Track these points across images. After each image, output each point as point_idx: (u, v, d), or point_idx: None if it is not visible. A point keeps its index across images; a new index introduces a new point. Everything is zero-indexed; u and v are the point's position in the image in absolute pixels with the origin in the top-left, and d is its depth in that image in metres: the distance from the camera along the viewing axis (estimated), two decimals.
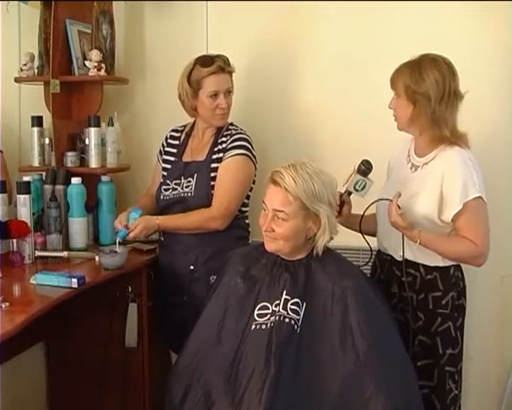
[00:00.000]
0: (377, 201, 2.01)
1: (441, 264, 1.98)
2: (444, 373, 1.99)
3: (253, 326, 1.79)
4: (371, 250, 2.05)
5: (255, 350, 1.73)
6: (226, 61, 2.32)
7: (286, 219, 1.80)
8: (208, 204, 2.28)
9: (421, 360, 1.94)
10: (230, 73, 2.34)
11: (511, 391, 2.53)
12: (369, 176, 1.99)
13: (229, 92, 2.34)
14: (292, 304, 1.77)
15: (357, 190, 1.98)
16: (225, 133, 2.36)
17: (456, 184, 1.88)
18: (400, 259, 2.00)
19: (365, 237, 2.04)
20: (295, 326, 1.74)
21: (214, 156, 2.33)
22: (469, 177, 1.88)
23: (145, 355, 2.44)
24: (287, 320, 1.75)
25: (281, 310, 1.77)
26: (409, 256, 1.97)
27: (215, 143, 2.35)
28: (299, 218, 1.80)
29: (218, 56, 2.31)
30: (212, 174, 2.31)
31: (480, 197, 1.88)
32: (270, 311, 1.79)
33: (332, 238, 1.86)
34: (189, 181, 2.33)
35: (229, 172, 2.29)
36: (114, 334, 2.43)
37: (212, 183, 2.30)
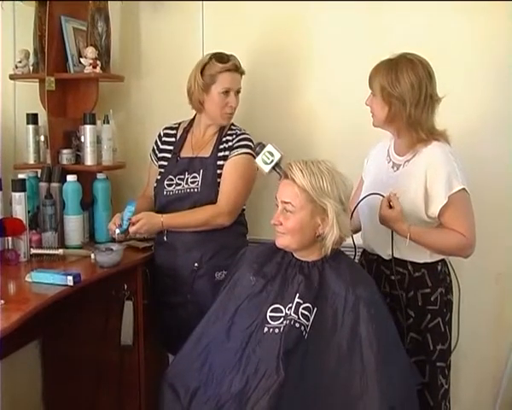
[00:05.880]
0: (368, 195, 1.99)
1: (429, 260, 1.99)
2: (435, 369, 2.00)
3: (266, 329, 1.77)
4: (355, 248, 2.03)
5: (268, 354, 1.72)
6: (239, 61, 2.36)
7: (293, 211, 1.79)
8: (215, 200, 2.29)
9: (413, 357, 1.94)
10: (242, 74, 2.38)
11: (506, 388, 2.54)
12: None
13: (238, 92, 2.37)
14: (303, 309, 1.76)
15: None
16: (229, 132, 2.38)
17: (440, 178, 1.89)
18: (388, 258, 2.00)
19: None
20: (304, 332, 1.74)
21: (220, 154, 2.34)
22: (452, 170, 1.89)
23: (141, 353, 2.44)
24: (297, 325, 1.74)
25: (292, 314, 1.76)
26: (396, 254, 1.97)
27: (220, 141, 2.36)
28: (306, 211, 1.78)
29: (232, 55, 2.34)
30: (218, 171, 2.32)
31: (463, 189, 1.90)
32: (283, 314, 1.77)
33: (343, 239, 1.84)
34: (195, 177, 2.33)
35: (235, 169, 2.31)
36: (110, 332, 2.43)
37: (218, 179, 2.31)
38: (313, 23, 2.62)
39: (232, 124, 2.41)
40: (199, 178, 2.32)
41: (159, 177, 2.41)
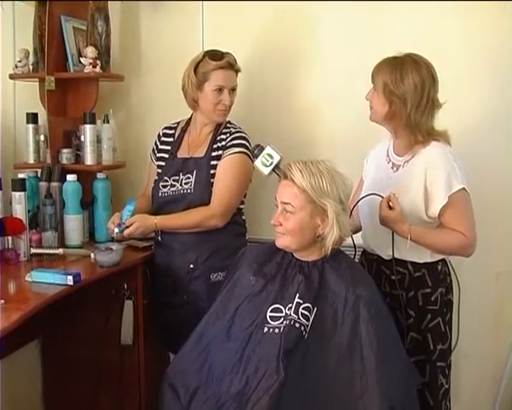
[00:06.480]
0: (367, 195, 1.99)
1: (429, 260, 1.99)
2: (435, 369, 2.00)
3: (266, 329, 1.77)
4: (355, 248, 2.03)
5: (268, 354, 1.71)
6: (234, 59, 2.33)
7: (293, 212, 1.78)
8: (208, 201, 2.28)
9: (413, 357, 1.94)
10: (237, 71, 2.35)
11: (506, 387, 2.55)
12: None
13: (233, 90, 2.34)
14: (303, 309, 1.76)
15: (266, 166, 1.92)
16: (224, 131, 2.36)
17: (440, 178, 1.89)
18: (388, 258, 2.00)
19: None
20: (304, 332, 1.74)
21: (214, 153, 2.32)
22: (452, 170, 1.89)
23: (141, 352, 2.44)
24: (297, 325, 1.74)
25: (292, 314, 1.76)
26: (396, 255, 1.97)
27: (214, 140, 2.34)
28: (305, 212, 1.78)
29: (227, 53, 2.32)
30: (212, 171, 2.30)
31: (463, 189, 1.89)
32: (283, 314, 1.77)
33: (343, 239, 1.83)
34: (189, 177, 2.32)
35: (229, 169, 2.29)
36: (110, 331, 2.43)
37: (212, 180, 2.29)
38: (313, 23, 2.62)
39: (228, 122, 2.40)
40: (192, 179, 2.31)
41: (156, 177, 2.41)
